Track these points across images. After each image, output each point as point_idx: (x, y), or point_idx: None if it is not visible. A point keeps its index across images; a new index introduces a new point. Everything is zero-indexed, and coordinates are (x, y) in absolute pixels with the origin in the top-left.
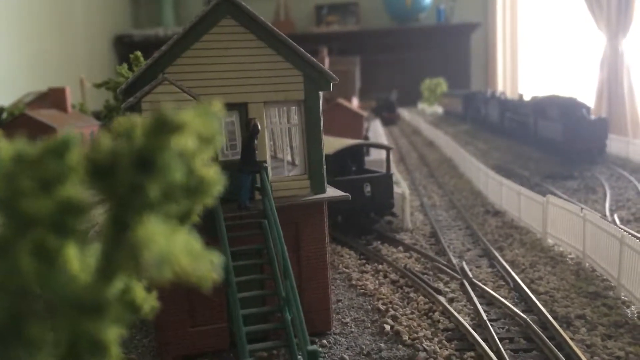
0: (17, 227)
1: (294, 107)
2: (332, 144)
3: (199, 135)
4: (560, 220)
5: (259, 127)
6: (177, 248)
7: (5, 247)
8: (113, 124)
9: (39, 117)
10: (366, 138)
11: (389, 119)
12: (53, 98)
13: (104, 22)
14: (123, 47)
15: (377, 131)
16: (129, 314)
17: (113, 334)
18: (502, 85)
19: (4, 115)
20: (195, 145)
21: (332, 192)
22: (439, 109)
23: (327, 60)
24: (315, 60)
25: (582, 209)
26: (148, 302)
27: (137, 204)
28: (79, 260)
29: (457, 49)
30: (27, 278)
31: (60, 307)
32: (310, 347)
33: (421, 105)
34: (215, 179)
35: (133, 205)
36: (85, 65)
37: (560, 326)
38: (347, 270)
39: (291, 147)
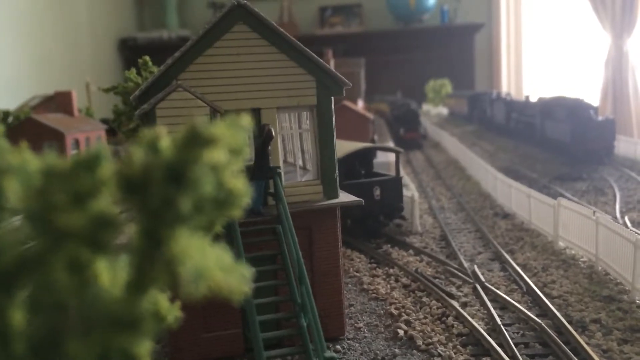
0: (50, 241)
1: (305, 112)
2: (340, 147)
3: (229, 148)
4: (572, 223)
5: (273, 133)
6: (211, 262)
7: (40, 262)
8: (140, 135)
9: (45, 121)
10: (373, 141)
11: (411, 140)
12: (59, 102)
13: (108, 25)
14: (127, 50)
15: (382, 134)
16: (156, 325)
17: (145, 347)
18: (507, 86)
19: (10, 119)
20: (226, 158)
21: (344, 196)
22: (443, 110)
23: (332, 62)
24: (327, 65)
25: (594, 212)
26: (172, 312)
27: (169, 218)
28: (110, 274)
29: (461, 49)
30: (62, 293)
31: (94, 322)
32: (328, 353)
33: (426, 107)
34: (243, 190)
35: (165, 219)
36: (90, 68)
37: (575, 331)
38: (357, 274)
39: (302, 152)
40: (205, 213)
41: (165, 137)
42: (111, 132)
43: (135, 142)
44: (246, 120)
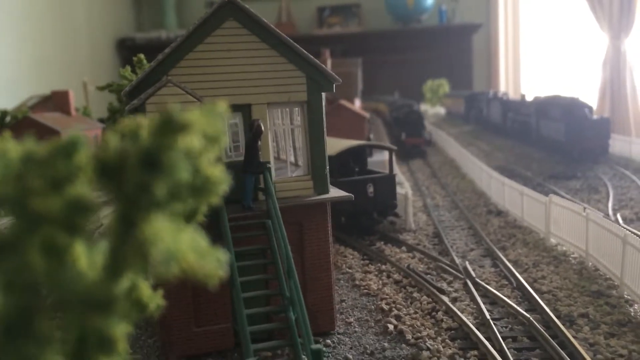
0: (27, 225)
1: (296, 109)
2: (335, 145)
3: (205, 135)
4: (563, 220)
5: (262, 129)
6: (184, 245)
7: (16, 245)
8: (119, 124)
9: (42, 120)
10: (368, 139)
11: (415, 147)
12: (56, 101)
13: (106, 26)
14: (126, 50)
15: (379, 132)
16: (135, 312)
17: (121, 330)
18: (505, 86)
19: (8, 118)
20: (201, 144)
21: (335, 192)
22: (441, 110)
23: (329, 62)
24: (317, 61)
25: (584, 208)
26: (154, 300)
27: (144, 203)
28: (87, 257)
29: (459, 49)
30: (36, 275)
31: (69, 304)
32: (314, 346)
33: (423, 106)
34: (221, 178)
35: (140, 204)
36: (88, 68)
37: (563, 325)
38: (350, 271)
39: (294, 148)
40: (181, 199)
41: (145, 127)
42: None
43: (113, 130)
44: (222, 107)
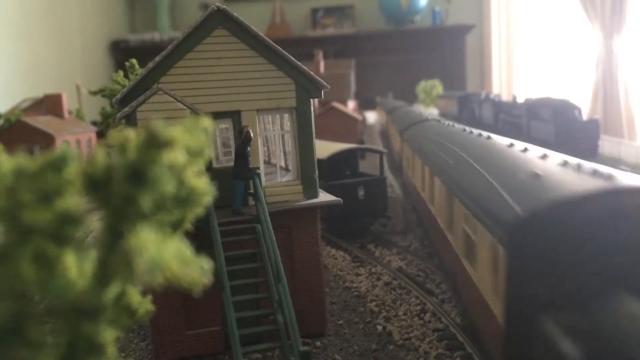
0: (18, 236)
1: (286, 114)
2: (326, 148)
3: (188, 149)
4: None
5: (252, 135)
6: (168, 255)
7: (8, 255)
8: (107, 137)
9: (35, 123)
10: (361, 142)
11: None
12: (49, 104)
13: (99, 28)
14: (119, 52)
15: (372, 135)
16: (125, 317)
17: (109, 335)
18: (498, 87)
19: (1, 121)
20: (185, 158)
21: (324, 197)
22: (434, 111)
23: (322, 64)
24: (306, 68)
25: None
26: (143, 306)
27: (131, 214)
28: (76, 266)
29: (452, 50)
30: (28, 283)
31: (60, 311)
32: (302, 348)
33: (417, 108)
34: (205, 189)
35: (127, 215)
36: (82, 71)
37: None
38: (341, 273)
39: (284, 153)
40: (167, 210)
41: (133, 140)
42: (102, 134)
43: (101, 144)
44: (207, 123)
